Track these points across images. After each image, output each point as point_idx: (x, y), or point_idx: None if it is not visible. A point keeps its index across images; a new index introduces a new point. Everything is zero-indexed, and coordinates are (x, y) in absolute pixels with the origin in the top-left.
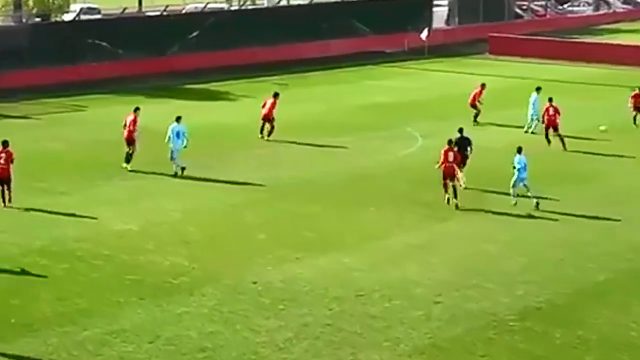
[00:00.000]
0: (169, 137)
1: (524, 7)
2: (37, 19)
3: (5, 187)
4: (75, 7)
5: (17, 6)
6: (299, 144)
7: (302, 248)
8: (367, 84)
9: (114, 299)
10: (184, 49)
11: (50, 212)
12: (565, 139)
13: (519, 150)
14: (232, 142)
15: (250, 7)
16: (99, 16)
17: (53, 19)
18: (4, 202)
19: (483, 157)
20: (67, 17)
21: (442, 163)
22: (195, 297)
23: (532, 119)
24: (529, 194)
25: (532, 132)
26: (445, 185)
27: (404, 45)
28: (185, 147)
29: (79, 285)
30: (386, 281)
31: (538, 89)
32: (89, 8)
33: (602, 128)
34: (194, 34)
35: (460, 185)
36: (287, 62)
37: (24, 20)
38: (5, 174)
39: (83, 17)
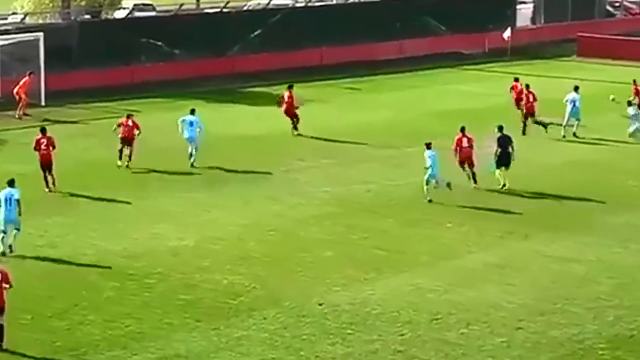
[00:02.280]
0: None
1: (617, 5)
2: (87, 17)
3: (47, 172)
4: (127, 4)
5: (66, 2)
6: (369, 153)
7: (372, 267)
8: (442, 89)
9: (166, 321)
10: (246, 49)
11: (99, 226)
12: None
13: (428, 146)
14: (297, 151)
15: (318, 3)
16: (153, 13)
17: (104, 17)
18: (47, 186)
19: (580, 170)
20: (119, 14)
21: (456, 148)
22: (255, 319)
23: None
24: (436, 186)
25: (574, 135)
26: (471, 173)
27: (484, 46)
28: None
29: (130, 305)
30: (463, 304)
31: (576, 88)
32: (143, 4)
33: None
34: (257, 32)
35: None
36: (357, 64)
37: (72, 17)
38: (48, 158)
39: (136, 14)
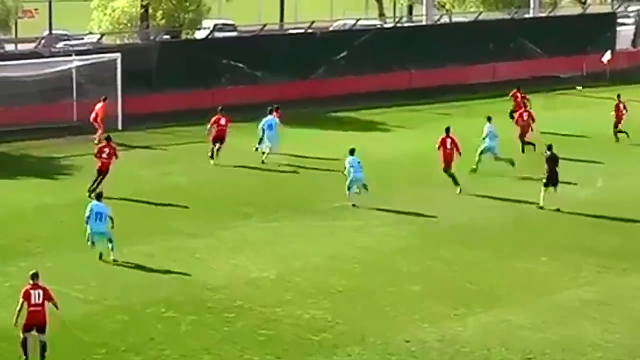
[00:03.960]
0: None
1: None
2: (166, 37)
3: (101, 179)
4: (208, 24)
5: (145, 22)
6: (459, 181)
7: (462, 302)
8: (538, 115)
9: (246, 356)
10: (331, 71)
11: (178, 256)
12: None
13: (352, 152)
14: (384, 180)
15: (407, 24)
16: (234, 34)
17: (184, 37)
18: (90, 190)
19: None
20: (200, 34)
21: (440, 147)
22: (339, 357)
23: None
24: (361, 192)
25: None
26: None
27: (582, 69)
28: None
29: (208, 340)
30: (558, 343)
31: (489, 119)
32: (224, 24)
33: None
34: (343, 54)
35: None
36: (447, 88)
37: (151, 37)
38: (108, 166)
39: (217, 34)
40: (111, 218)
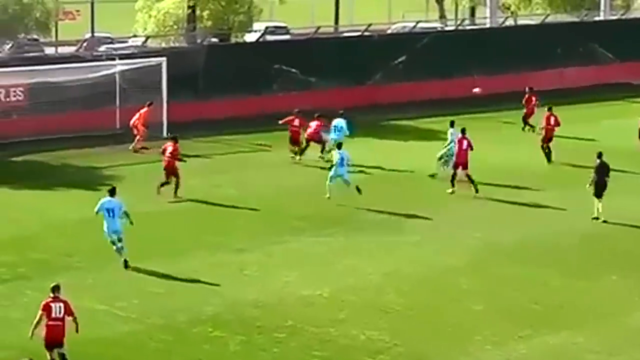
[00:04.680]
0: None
1: None
2: (214, 40)
3: (170, 178)
4: (259, 26)
5: (192, 24)
6: (526, 194)
7: (527, 323)
8: (609, 124)
9: None
10: (389, 77)
11: (225, 273)
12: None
13: (339, 146)
14: (442, 192)
15: (469, 27)
16: (287, 37)
17: (233, 40)
18: (158, 190)
19: None
20: (250, 38)
21: (458, 150)
22: None
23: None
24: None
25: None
26: (453, 177)
27: None
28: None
29: None
30: None
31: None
32: (276, 27)
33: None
34: (401, 59)
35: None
36: (511, 95)
37: (199, 41)
38: (169, 166)
39: (268, 38)
40: (126, 213)
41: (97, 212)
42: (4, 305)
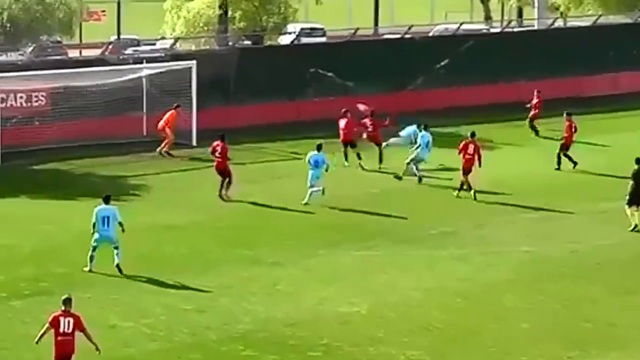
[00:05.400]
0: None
1: None
2: (247, 43)
3: (222, 178)
4: (294, 28)
5: (223, 25)
6: (576, 206)
7: (576, 343)
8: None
9: None
10: (431, 81)
11: (257, 288)
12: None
13: (318, 148)
14: (490, 204)
15: (516, 29)
16: (323, 39)
17: (266, 42)
18: (220, 191)
19: None
20: (284, 40)
21: (462, 154)
22: None
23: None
24: (314, 189)
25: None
26: (462, 184)
27: None
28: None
29: None
30: None
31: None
32: (312, 29)
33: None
34: (444, 62)
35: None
36: (560, 101)
37: (230, 43)
38: (221, 167)
39: (304, 40)
40: (120, 223)
41: (94, 224)
42: (25, 321)
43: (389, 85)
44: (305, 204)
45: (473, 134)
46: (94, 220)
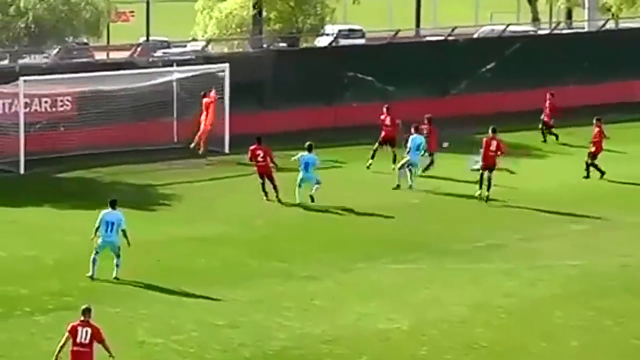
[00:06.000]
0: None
1: None
2: (282, 45)
3: (268, 181)
4: (331, 29)
5: (257, 27)
6: (628, 219)
7: None
8: None
9: None
10: (476, 86)
11: (293, 303)
12: None
13: (309, 149)
14: (538, 215)
15: (565, 30)
16: (362, 41)
17: (302, 45)
18: (266, 196)
19: None
20: (321, 42)
21: (484, 152)
22: None
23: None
24: (312, 191)
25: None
26: (481, 178)
27: None
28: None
29: None
30: None
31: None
32: (350, 30)
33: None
34: (490, 66)
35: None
36: (611, 106)
37: (264, 45)
38: (266, 170)
39: (342, 42)
40: (124, 231)
41: (97, 228)
42: (48, 337)
43: (431, 90)
44: (299, 204)
45: (494, 130)
46: (97, 224)
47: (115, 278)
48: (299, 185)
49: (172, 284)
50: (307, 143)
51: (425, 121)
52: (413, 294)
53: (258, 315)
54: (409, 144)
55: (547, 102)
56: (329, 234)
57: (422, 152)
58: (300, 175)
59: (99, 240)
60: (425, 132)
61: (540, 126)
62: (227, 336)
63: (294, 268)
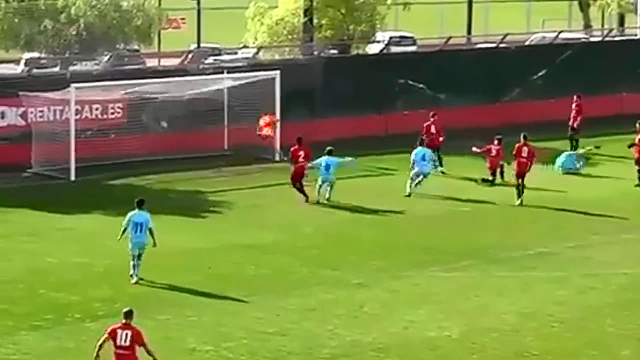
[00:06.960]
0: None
1: None
2: (333, 52)
3: (298, 185)
4: (382, 36)
5: (308, 34)
6: None
7: None
8: None
9: None
10: (527, 93)
11: (343, 311)
12: None
13: (329, 153)
14: (590, 223)
15: (617, 38)
16: (413, 48)
17: (353, 52)
18: (306, 199)
19: None
20: (372, 49)
21: (516, 158)
22: None
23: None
24: (327, 195)
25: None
26: (518, 187)
27: None
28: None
29: None
30: None
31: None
32: (401, 37)
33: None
34: (541, 73)
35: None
36: None
37: (315, 52)
38: (302, 171)
39: (393, 49)
40: (150, 230)
41: (124, 229)
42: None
43: (482, 98)
44: (317, 202)
45: (525, 137)
46: (124, 225)
47: (140, 279)
48: (320, 186)
49: (223, 291)
50: (328, 148)
51: (496, 142)
52: (463, 302)
53: (308, 323)
54: (412, 158)
55: (574, 105)
56: (379, 241)
57: (429, 162)
58: (321, 176)
59: (130, 245)
60: (494, 151)
61: (569, 134)
62: (277, 344)
63: (344, 275)
